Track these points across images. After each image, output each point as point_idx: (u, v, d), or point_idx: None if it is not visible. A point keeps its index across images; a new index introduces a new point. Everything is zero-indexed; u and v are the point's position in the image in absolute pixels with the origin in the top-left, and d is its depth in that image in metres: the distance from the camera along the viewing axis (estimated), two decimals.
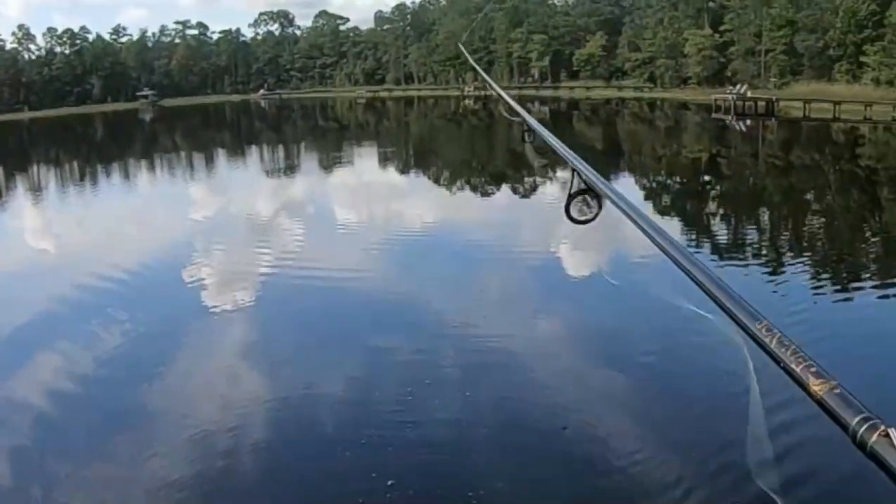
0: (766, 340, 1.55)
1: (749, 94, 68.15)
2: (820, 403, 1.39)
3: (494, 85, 10.22)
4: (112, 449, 11.45)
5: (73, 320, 18.41)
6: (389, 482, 9.68)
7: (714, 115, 66.69)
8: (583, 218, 3.35)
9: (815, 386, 1.40)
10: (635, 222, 2.58)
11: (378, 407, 12.19)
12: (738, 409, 10.85)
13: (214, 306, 18.87)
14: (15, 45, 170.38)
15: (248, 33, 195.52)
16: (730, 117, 64.19)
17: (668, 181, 39.13)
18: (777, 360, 1.50)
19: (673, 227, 27.69)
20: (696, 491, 9.43)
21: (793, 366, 1.46)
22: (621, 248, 21.26)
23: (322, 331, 16.64)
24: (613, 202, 2.93)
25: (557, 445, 10.89)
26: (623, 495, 9.59)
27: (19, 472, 10.90)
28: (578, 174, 3.29)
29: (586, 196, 3.34)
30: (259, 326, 17.39)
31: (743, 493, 9.20)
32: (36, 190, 49.44)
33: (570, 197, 3.36)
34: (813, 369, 1.43)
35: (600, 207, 3.29)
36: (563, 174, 34.46)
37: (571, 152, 3.55)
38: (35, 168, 67.44)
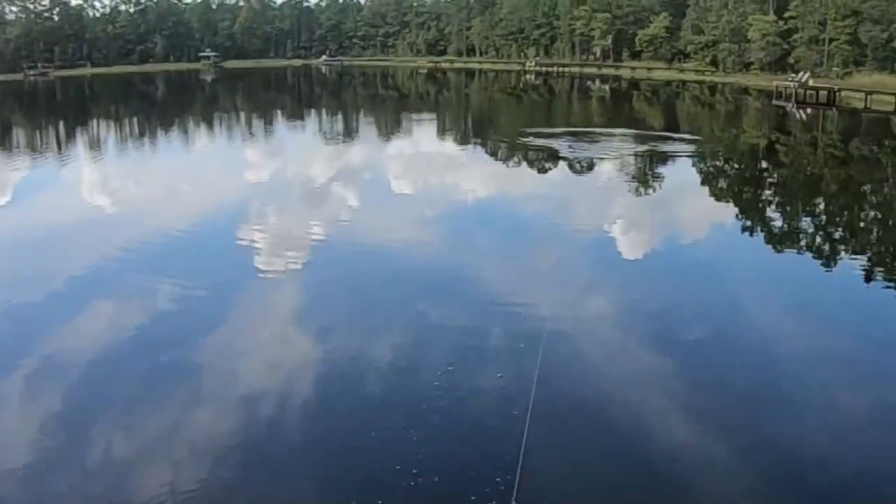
0: None
1: (811, 82, 67.43)
2: None
3: None
4: (159, 401, 12.08)
5: (126, 277, 19.01)
6: (414, 471, 9.87)
7: (775, 102, 66.14)
8: None
9: None
10: None
11: (412, 388, 12.44)
12: None
13: (266, 269, 19.47)
14: (80, 2, 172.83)
15: None
16: (790, 104, 63.64)
17: (726, 166, 39.11)
18: None
19: (729, 211, 27.90)
20: None
21: None
22: None
23: (368, 297, 17.12)
24: None
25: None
26: None
27: (72, 417, 11.66)
28: None
29: None
30: (308, 290, 17.98)
31: None
32: (94, 146, 49.86)
33: None
34: None
35: None
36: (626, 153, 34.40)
37: None
38: (94, 123, 68.01)
